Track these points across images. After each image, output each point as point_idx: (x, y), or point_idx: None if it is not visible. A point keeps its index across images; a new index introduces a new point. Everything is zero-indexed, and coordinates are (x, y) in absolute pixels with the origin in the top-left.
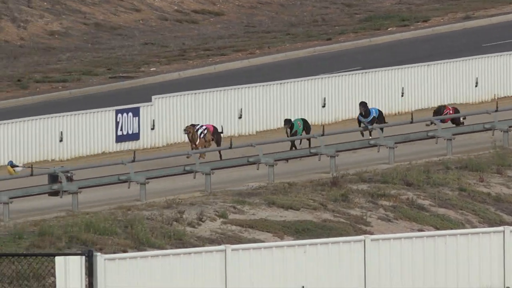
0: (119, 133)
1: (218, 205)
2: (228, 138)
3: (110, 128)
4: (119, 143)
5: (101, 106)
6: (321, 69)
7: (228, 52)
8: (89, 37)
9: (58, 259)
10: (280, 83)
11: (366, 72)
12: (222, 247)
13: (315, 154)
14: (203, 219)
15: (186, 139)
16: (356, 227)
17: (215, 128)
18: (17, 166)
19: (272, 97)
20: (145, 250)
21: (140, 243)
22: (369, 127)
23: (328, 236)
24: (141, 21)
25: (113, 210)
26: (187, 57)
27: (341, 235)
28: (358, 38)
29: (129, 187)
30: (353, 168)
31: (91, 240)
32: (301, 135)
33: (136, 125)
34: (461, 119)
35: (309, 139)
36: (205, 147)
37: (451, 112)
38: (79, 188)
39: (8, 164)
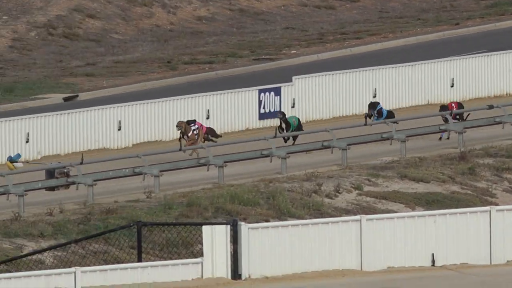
0: (262, 111)
1: (353, 178)
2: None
3: (253, 107)
4: (261, 120)
5: (245, 86)
6: (449, 52)
7: (363, 36)
8: (234, 22)
9: (205, 228)
10: (411, 65)
11: (491, 55)
12: (357, 217)
13: (444, 131)
14: (340, 191)
15: (325, 116)
16: (482, 198)
17: (209, 129)
18: (17, 162)
19: (404, 77)
20: (286, 219)
21: (281, 213)
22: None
23: (456, 207)
24: (282, 7)
25: (256, 183)
26: (325, 41)
27: (468, 206)
28: (484, 22)
29: (271, 161)
30: (480, 144)
31: (235, 210)
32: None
33: (277, 103)
34: (465, 114)
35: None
36: (192, 144)
37: (454, 107)
38: (225, 162)
39: (7, 160)
